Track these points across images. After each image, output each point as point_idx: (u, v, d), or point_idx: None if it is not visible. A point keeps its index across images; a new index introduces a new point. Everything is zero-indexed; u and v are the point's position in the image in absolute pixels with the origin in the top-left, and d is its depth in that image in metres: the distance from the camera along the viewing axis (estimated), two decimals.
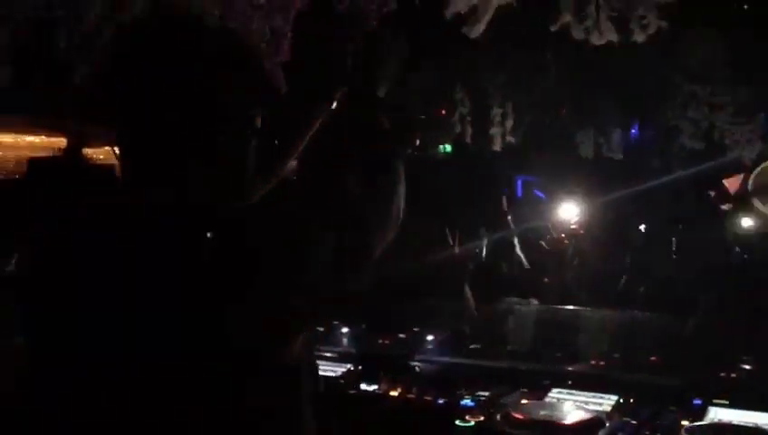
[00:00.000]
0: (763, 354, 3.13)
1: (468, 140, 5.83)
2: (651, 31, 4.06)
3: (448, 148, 9.41)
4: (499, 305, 4.17)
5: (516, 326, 3.88)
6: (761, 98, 6.63)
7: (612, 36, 4.15)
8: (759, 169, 11.19)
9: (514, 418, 2.36)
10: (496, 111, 5.80)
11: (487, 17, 2.49)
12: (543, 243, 5.28)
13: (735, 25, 5.78)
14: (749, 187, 11.75)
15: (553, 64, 5.85)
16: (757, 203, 11.76)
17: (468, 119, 5.72)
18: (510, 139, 5.80)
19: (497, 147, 5.81)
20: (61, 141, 8.37)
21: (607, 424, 2.32)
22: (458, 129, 5.73)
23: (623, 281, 5.35)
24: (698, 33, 5.91)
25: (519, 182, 11.42)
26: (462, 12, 2.77)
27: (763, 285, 4.70)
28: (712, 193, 12.21)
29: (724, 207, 12.03)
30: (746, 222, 10.42)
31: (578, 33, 4.21)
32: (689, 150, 7.43)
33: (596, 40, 4.34)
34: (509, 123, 5.80)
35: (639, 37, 4.52)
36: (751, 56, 6.05)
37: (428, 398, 2.60)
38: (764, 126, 7.14)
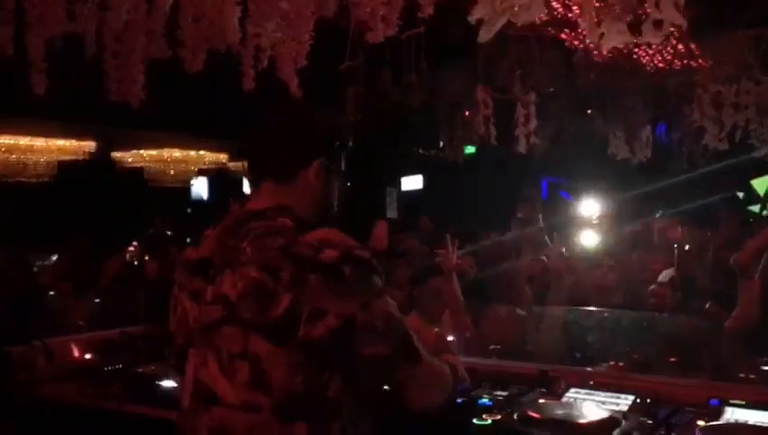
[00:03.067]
0: None
1: (492, 141, 5.85)
2: (665, 32, 4.06)
3: (472, 149, 9.45)
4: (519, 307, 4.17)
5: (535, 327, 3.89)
6: None
7: (624, 39, 4.16)
8: None
9: (532, 417, 2.38)
10: (521, 112, 5.81)
11: (501, 23, 2.53)
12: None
13: (760, 24, 5.74)
14: None
15: (579, 66, 5.85)
16: None
17: (492, 120, 5.74)
18: (534, 140, 5.81)
19: (522, 148, 5.82)
20: (90, 145, 8.56)
21: (623, 423, 2.33)
22: (482, 130, 5.74)
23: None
24: (724, 33, 5.88)
25: (544, 184, 11.41)
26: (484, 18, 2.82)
27: None
28: (741, 194, 12.10)
29: (752, 208, 11.92)
30: None
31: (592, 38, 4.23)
32: (714, 151, 7.39)
33: (611, 43, 4.35)
34: (533, 124, 5.80)
35: (655, 39, 4.52)
36: None
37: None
38: None
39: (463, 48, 5.81)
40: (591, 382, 2.75)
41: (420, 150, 8.53)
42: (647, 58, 6.38)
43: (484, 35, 3.16)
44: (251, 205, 1.67)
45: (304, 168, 1.68)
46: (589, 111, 7.43)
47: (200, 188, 10.57)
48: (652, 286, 4.28)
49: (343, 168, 1.79)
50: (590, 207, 5.95)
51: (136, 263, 7.79)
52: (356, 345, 1.51)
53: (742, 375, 2.90)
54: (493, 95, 5.82)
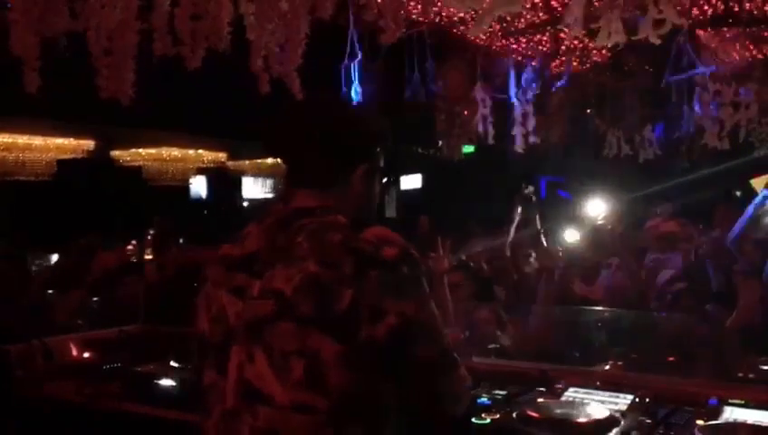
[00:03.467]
0: None
1: (491, 140, 5.85)
2: (665, 31, 4.07)
3: (471, 148, 9.46)
4: (516, 306, 4.18)
5: (534, 326, 3.89)
6: None
7: (621, 38, 4.16)
8: None
9: (531, 416, 2.38)
10: (518, 112, 5.81)
11: (489, 21, 2.53)
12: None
13: (759, 24, 5.74)
14: None
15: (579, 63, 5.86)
16: None
17: (490, 119, 5.75)
18: (533, 139, 5.81)
19: (520, 148, 5.83)
20: (88, 143, 8.56)
21: (622, 423, 2.33)
22: (480, 128, 5.75)
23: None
24: (723, 33, 5.89)
25: (542, 183, 11.41)
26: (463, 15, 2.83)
27: None
28: (739, 193, 12.12)
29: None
30: None
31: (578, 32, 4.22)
32: (714, 150, 7.40)
33: (603, 41, 4.36)
34: (531, 123, 5.81)
35: (653, 38, 4.53)
36: None
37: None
38: None
39: (463, 46, 5.83)
40: (590, 382, 2.74)
41: (419, 149, 8.53)
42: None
43: (475, 31, 3.17)
44: (296, 203, 1.61)
45: (350, 173, 1.66)
46: (588, 111, 7.45)
47: (199, 187, 10.57)
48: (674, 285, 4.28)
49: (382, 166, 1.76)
50: (596, 207, 5.94)
51: (135, 261, 7.81)
52: (412, 347, 1.49)
53: (741, 375, 2.90)
54: (492, 94, 5.84)
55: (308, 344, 1.44)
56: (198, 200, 10.65)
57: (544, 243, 4.96)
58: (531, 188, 5.78)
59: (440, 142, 8.52)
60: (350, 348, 1.44)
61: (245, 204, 11.24)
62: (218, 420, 1.54)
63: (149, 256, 8.05)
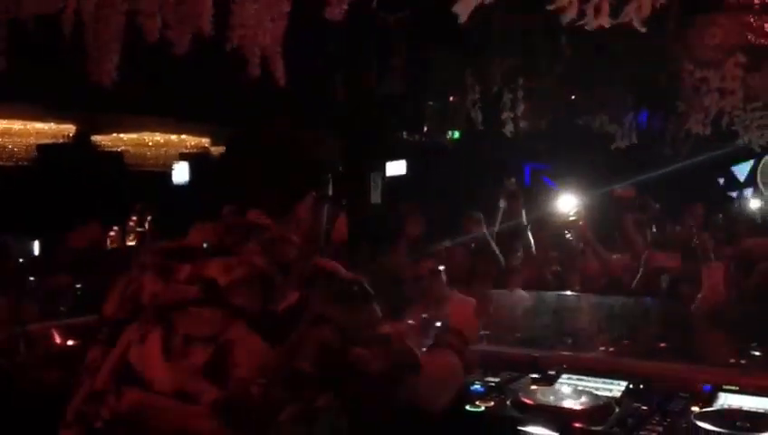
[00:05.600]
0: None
1: (480, 126, 5.82)
2: (646, 14, 4.05)
3: (456, 134, 9.43)
4: (505, 292, 4.16)
5: (524, 313, 3.88)
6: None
7: (606, 21, 4.14)
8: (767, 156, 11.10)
9: (525, 403, 2.36)
10: (507, 97, 5.78)
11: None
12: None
13: (745, 10, 5.74)
14: (758, 172, 11.72)
15: (565, 49, 5.82)
16: (764, 188, 11.71)
17: (479, 105, 5.71)
18: (521, 124, 5.79)
19: (508, 133, 5.80)
20: (69, 128, 8.42)
21: (617, 410, 2.32)
22: (473, 114, 5.71)
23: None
24: (709, 18, 5.87)
25: (527, 170, 11.41)
26: None
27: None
28: (721, 180, 12.19)
29: (733, 193, 12.02)
30: (754, 204, 10.43)
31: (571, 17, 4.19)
32: (698, 137, 7.42)
33: (591, 24, 4.33)
34: (520, 109, 5.78)
35: (636, 22, 4.50)
36: (762, 41, 6.00)
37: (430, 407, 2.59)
38: None
39: (450, 31, 5.77)
40: (583, 368, 2.72)
41: (405, 135, 8.48)
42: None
43: (462, 15, 3.14)
44: (251, 217, 1.59)
45: (297, 201, 1.65)
46: (573, 97, 7.43)
47: (181, 172, 10.46)
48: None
49: (330, 193, 1.75)
50: (567, 202, 5.97)
51: (116, 246, 7.72)
52: (353, 365, 1.46)
53: (732, 361, 2.90)
54: (479, 79, 5.79)
55: (225, 334, 1.37)
56: (180, 186, 10.54)
57: (530, 237, 4.97)
58: (513, 180, 5.78)
59: (426, 128, 8.49)
60: (272, 347, 1.38)
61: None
62: (79, 403, 1.45)
63: (132, 243, 7.98)
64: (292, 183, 1.65)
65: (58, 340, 3.63)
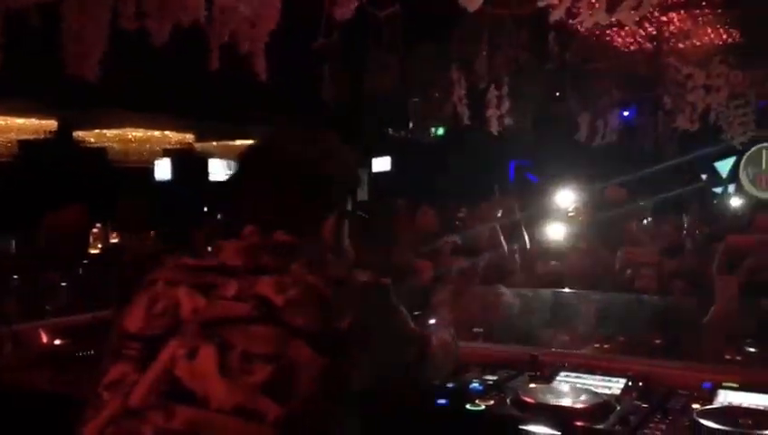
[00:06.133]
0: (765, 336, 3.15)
1: (467, 121, 5.81)
2: (642, 12, 4.05)
3: (440, 131, 9.43)
4: (498, 289, 4.14)
5: (512, 310, 3.85)
6: (755, 81, 6.62)
7: (601, 18, 4.14)
8: (749, 152, 11.24)
9: (525, 402, 2.34)
10: (493, 94, 5.77)
11: None
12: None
13: (733, 7, 5.78)
14: (741, 169, 11.80)
15: (553, 47, 5.83)
16: (746, 184, 11.81)
17: (465, 101, 5.70)
18: (507, 121, 5.79)
19: (494, 129, 5.80)
20: (51, 124, 8.31)
21: (617, 408, 2.31)
22: (459, 110, 5.70)
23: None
24: (695, 16, 5.91)
25: (511, 166, 11.44)
26: None
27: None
28: (704, 176, 12.28)
29: (716, 189, 12.12)
30: (736, 201, 10.53)
31: (559, 15, 4.19)
32: (681, 134, 7.46)
33: (586, 21, 4.33)
34: (505, 106, 5.78)
35: (629, 21, 4.50)
36: (748, 39, 6.04)
37: (435, 382, 2.57)
38: (757, 110, 7.17)
39: (438, 28, 5.76)
40: (581, 366, 2.71)
41: (390, 131, 8.47)
42: (619, 40, 6.40)
43: (471, 6, 3.12)
44: (277, 237, 1.55)
45: (322, 222, 1.65)
46: (557, 94, 7.44)
47: (164, 168, 10.38)
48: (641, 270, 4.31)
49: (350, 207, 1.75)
50: (565, 198, 5.97)
51: (100, 245, 7.62)
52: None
53: (728, 357, 2.91)
54: (466, 76, 5.78)
55: (286, 351, 1.34)
56: (163, 183, 10.45)
57: (525, 235, 4.97)
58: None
59: (411, 124, 8.47)
60: (333, 367, 1.38)
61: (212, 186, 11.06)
62: (106, 421, 1.36)
63: (115, 240, 7.89)
64: (316, 202, 1.64)
65: (46, 340, 3.56)
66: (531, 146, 9.87)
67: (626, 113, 8.41)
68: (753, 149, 10.90)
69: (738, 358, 2.90)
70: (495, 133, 5.94)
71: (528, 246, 5.17)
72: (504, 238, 4.87)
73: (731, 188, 11.20)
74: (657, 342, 3.13)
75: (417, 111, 7.25)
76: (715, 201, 11.00)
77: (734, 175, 11.52)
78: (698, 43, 6.00)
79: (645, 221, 6.78)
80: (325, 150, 1.67)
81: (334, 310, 1.40)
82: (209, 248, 1.58)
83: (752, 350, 2.96)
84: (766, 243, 5.51)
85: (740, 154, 11.00)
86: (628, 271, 4.44)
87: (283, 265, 1.45)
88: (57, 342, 3.56)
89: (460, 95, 5.77)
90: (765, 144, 10.70)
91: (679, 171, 9.60)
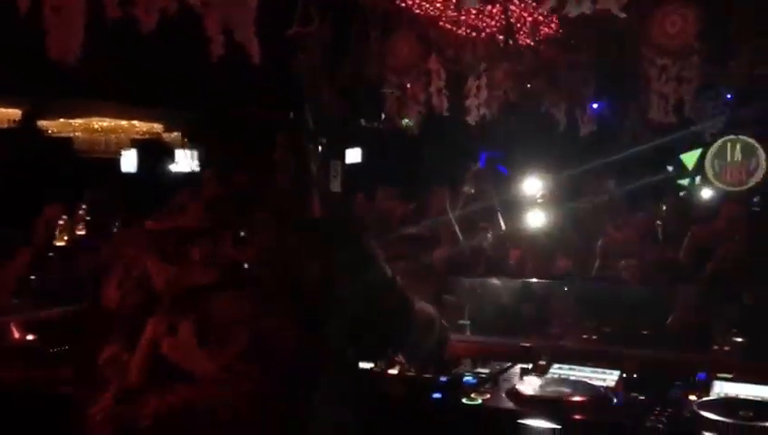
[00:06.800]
0: (748, 326, 3.15)
1: (445, 112, 5.76)
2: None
3: (411, 121, 9.36)
4: (479, 281, 4.12)
5: (498, 301, 3.83)
6: (727, 73, 6.68)
7: (587, 7, 4.11)
8: (715, 144, 11.41)
9: (522, 395, 2.31)
10: (471, 84, 5.73)
11: None
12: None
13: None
14: (706, 161, 11.97)
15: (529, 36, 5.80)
16: (712, 176, 11.98)
17: (445, 92, 5.65)
18: (485, 111, 5.75)
19: (473, 120, 5.77)
20: (15, 113, 8.06)
21: (615, 400, 2.28)
22: (435, 101, 5.64)
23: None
24: (670, 7, 5.92)
25: (482, 157, 11.41)
26: None
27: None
28: (670, 168, 12.43)
29: (682, 181, 12.28)
30: (705, 193, 10.69)
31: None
32: (651, 125, 7.51)
33: (573, 10, 4.30)
34: (483, 95, 5.74)
35: (614, 8, 4.48)
36: (720, 30, 6.08)
37: (428, 375, 2.53)
38: (727, 102, 7.25)
39: (415, 17, 5.70)
40: (573, 357, 2.69)
41: (363, 122, 8.39)
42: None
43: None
44: (237, 185, 1.53)
45: (272, 147, 1.59)
46: (528, 85, 7.43)
47: (130, 159, 10.18)
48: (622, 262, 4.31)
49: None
50: (532, 185, 5.99)
51: (66, 238, 7.42)
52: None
53: (716, 347, 2.90)
54: (444, 65, 5.73)
55: (258, 314, 1.33)
56: (129, 173, 10.25)
57: (500, 220, 4.94)
58: (476, 165, 5.75)
59: (383, 115, 8.40)
60: (308, 320, 1.37)
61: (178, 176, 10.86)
62: (111, 402, 1.37)
63: (82, 232, 7.70)
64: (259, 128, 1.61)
65: (17, 335, 3.45)
66: (502, 137, 9.88)
67: (595, 105, 8.44)
68: (719, 141, 11.03)
69: (726, 348, 2.89)
70: (473, 123, 5.89)
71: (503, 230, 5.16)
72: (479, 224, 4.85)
73: (697, 179, 11.33)
74: (645, 332, 3.12)
75: (391, 102, 7.17)
76: (681, 193, 11.13)
77: (699, 167, 11.67)
78: (672, 34, 6.01)
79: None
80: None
81: (304, 262, 1.37)
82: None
83: (738, 340, 2.96)
84: (733, 232, 5.61)
85: (706, 146, 11.13)
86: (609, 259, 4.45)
87: (247, 215, 1.43)
88: (29, 337, 3.44)
89: (438, 86, 5.71)
90: (731, 137, 10.83)
91: (648, 162, 9.69)
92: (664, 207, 7.05)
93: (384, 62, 6.08)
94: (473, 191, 5.22)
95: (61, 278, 4.82)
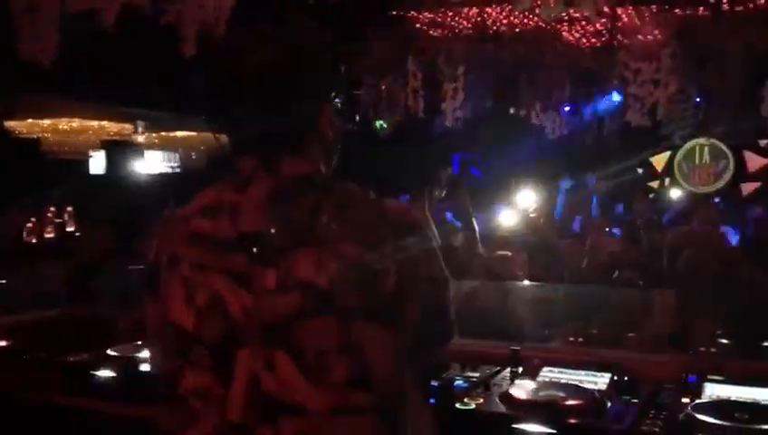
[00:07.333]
0: (734, 327, 3.17)
1: (421, 114, 5.75)
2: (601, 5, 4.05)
3: (385, 124, 9.33)
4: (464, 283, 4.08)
5: (484, 305, 3.80)
6: (699, 76, 6.75)
7: (559, 10, 4.11)
8: (684, 147, 11.53)
9: (515, 399, 2.29)
10: (448, 86, 5.72)
11: None
12: None
13: (681, 4, 5.86)
14: (675, 164, 12.10)
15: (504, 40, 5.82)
16: (681, 179, 12.11)
17: (421, 93, 5.63)
18: (459, 114, 5.74)
19: (449, 122, 5.76)
20: None
21: (609, 404, 2.27)
22: (410, 102, 5.63)
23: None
24: (646, 12, 5.98)
25: (456, 160, 11.42)
26: None
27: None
28: (640, 170, 12.55)
29: (652, 183, 12.40)
30: (675, 193, 10.80)
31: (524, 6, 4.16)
32: (621, 129, 7.57)
33: (544, 14, 4.30)
34: (460, 97, 5.73)
35: (592, 14, 4.48)
36: (694, 35, 6.15)
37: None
38: (697, 105, 7.33)
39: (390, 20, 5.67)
40: (563, 361, 2.68)
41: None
42: (570, 36, 6.43)
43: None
44: (288, 170, 1.35)
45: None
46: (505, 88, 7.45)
47: (98, 160, 10.01)
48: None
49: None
50: (526, 198, 6.01)
51: (34, 241, 7.28)
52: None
53: (702, 349, 2.91)
54: (421, 69, 5.71)
55: (352, 339, 1.26)
56: (99, 175, 10.07)
57: (475, 225, 4.91)
58: (448, 170, 5.72)
59: (357, 117, 8.35)
60: (398, 333, 1.30)
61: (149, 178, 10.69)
62: (211, 432, 1.29)
63: (50, 235, 7.56)
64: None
65: None
66: (476, 140, 9.89)
67: (567, 108, 8.48)
68: (687, 144, 11.17)
69: (713, 350, 2.91)
70: (450, 126, 5.89)
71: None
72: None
73: (666, 182, 11.46)
74: (630, 335, 3.11)
75: (366, 104, 7.13)
76: (651, 195, 11.25)
77: (668, 170, 11.79)
78: (648, 38, 6.07)
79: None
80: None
81: (379, 275, 1.28)
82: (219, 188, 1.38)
83: (725, 341, 2.98)
84: (705, 235, 5.68)
85: (675, 149, 11.26)
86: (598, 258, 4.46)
87: (317, 226, 1.29)
88: (3, 343, 3.35)
89: (416, 88, 5.69)
90: (700, 140, 10.98)
91: (621, 165, 9.79)
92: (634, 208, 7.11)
93: (359, 63, 6.07)
94: (443, 195, 5.17)
95: (28, 282, 4.71)
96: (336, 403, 1.25)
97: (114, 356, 2.97)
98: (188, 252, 1.35)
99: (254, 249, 1.30)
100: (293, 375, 1.25)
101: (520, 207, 5.68)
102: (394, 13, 5.62)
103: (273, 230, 1.30)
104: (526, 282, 3.58)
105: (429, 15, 5.90)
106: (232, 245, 1.32)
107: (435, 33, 5.86)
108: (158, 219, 1.49)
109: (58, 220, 7.60)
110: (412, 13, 5.61)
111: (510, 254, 4.82)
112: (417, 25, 5.77)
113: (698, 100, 7.91)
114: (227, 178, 1.40)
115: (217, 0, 3.97)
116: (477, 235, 5.26)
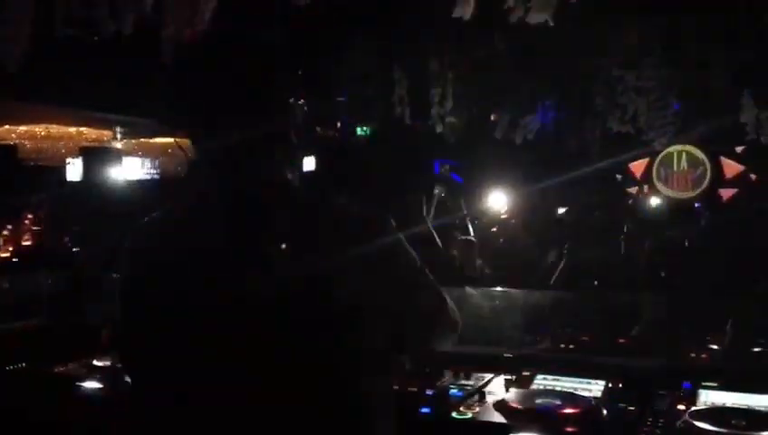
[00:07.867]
0: (723, 332, 3.18)
1: (408, 120, 5.73)
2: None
3: (368, 130, 9.33)
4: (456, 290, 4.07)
5: (477, 311, 3.78)
6: (681, 84, 6.81)
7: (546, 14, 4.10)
8: (662, 154, 11.66)
9: (512, 408, 2.27)
10: (436, 92, 5.70)
11: None
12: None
13: (663, 11, 5.91)
14: (653, 171, 12.23)
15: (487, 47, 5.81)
16: (660, 185, 12.24)
17: (406, 99, 5.62)
18: (451, 119, 5.74)
19: (439, 128, 5.76)
20: None
21: (605, 412, 2.26)
22: (398, 109, 5.61)
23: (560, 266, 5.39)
24: (627, 18, 6.01)
25: (436, 165, 11.42)
26: None
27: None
28: (619, 177, 12.65)
29: (630, 189, 12.50)
30: (654, 201, 10.90)
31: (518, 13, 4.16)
32: (600, 135, 7.61)
33: (533, 19, 4.31)
34: (449, 105, 5.72)
35: (550, 19, 4.50)
36: (676, 42, 6.20)
37: (413, 389, 2.48)
38: (676, 112, 7.39)
39: (377, 22, 5.65)
40: (556, 368, 2.67)
41: (319, 130, 8.30)
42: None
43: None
44: (245, 172, 1.34)
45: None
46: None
47: (76, 167, 9.88)
48: None
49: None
50: (498, 200, 6.04)
51: (11, 249, 7.17)
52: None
53: (693, 355, 2.91)
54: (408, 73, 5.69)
55: (311, 347, 1.24)
56: (76, 182, 9.94)
57: (469, 226, 4.91)
58: (447, 167, 5.73)
59: (338, 124, 8.33)
60: (358, 338, 1.27)
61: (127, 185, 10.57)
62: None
63: (28, 242, 7.45)
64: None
65: None
66: (457, 146, 9.90)
67: (548, 115, 8.51)
68: (665, 150, 11.29)
69: (703, 356, 2.91)
70: (438, 132, 5.87)
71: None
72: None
73: (644, 188, 11.54)
74: (621, 341, 3.11)
75: (347, 110, 7.12)
76: (630, 201, 11.32)
77: (646, 176, 11.87)
78: (630, 45, 6.10)
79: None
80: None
81: (337, 283, 1.24)
82: None
83: (714, 347, 2.98)
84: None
85: (653, 155, 11.35)
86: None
87: (270, 234, 1.27)
88: None
89: (401, 94, 5.67)
90: (678, 146, 11.11)
91: (600, 172, 9.84)
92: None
93: (342, 70, 6.04)
94: (443, 194, 5.16)
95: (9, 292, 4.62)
96: (296, 406, 1.24)
97: (101, 366, 2.91)
98: (145, 259, 1.36)
99: (216, 260, 1.28)
100: (256, 386, 1.24)
101: (492, 209, 5.75)
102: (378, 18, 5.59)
103: (226, 239, 1.29)
104: (515, 290, 3.55)
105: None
106: (188, 253, 1.30)
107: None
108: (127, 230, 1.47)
109: (36, 228, 7.50)
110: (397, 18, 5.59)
111: (475, 240, 4.83)
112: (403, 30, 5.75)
113: (676, 106, 7.99)
114: (189, 186, 1.41)
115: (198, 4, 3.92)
116: (476, 243, 5.29)
